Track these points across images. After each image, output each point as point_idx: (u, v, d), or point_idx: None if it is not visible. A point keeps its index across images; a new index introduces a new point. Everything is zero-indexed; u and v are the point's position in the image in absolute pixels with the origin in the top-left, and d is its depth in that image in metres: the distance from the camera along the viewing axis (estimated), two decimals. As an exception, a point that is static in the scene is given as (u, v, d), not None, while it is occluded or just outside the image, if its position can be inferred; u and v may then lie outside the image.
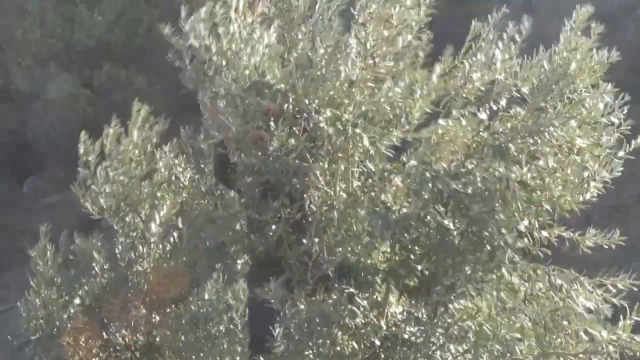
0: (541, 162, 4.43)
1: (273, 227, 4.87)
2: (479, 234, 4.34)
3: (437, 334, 4.31)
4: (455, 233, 4.35)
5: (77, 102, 16.60)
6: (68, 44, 16.98)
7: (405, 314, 4.68)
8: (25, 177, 16.91)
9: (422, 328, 4.37)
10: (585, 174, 4.51)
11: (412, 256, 4.53)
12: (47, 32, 16.79)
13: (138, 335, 5.75)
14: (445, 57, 4.64)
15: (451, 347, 4.32)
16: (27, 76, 16.95)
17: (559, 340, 4.66)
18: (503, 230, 4.33)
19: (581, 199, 4.53)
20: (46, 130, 16.48)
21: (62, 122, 16.18)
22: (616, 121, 4.48)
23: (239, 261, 5.74)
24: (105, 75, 16.83)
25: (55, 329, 5.58)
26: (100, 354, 5.67)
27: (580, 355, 4.63)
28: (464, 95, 4.64)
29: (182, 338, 5.57)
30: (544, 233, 4.67)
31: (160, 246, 5.71)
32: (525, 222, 4.52)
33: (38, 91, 16.92)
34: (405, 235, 4.42)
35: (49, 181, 16.06)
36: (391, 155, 4.71)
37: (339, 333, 4.52)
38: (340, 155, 4.75)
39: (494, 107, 4.54)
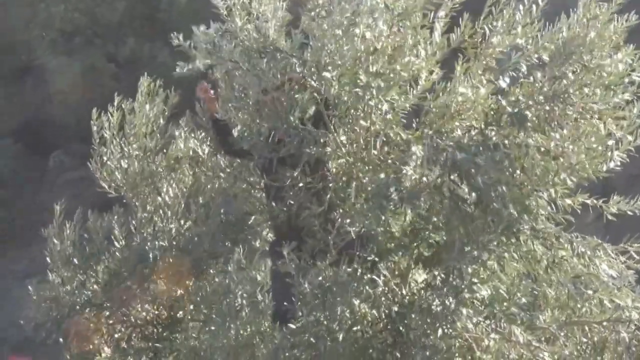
0: (565, 131, 4.35)
1: (292, 194, 4.86)
2: (488, 204, 4.29)
3: (450, 298, 4.28)
4: (469, 202, 4.31)
5: (101, 76, 16.62)
6: (92, 18, 16.99)
7: (424, 282, 4.66)
8: (50, 152, 16.99)
9: (437, 293, 4.34)
10: (610, 142, 4.42)
11: (427, 225, 4.50)
12: (71, 6, 16.79)
13: (160, 309, 5.76)
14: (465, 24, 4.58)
15: (464, 311, 4.29)
16: (51, 51, 16.98)
17: (583, 309, 4.61)
18: (507, 200, 4.27)
19: (604, 167, 4.45)
20: (70, 105, 16.51)
21: (87, 96, 16.21)
22: (637, 79, 4.39)
23: (260, 232, 5.76)
24: (129, 49, 16.82)
25: (72, 308, 5.58)
26: (123, 330, 5.70)
27: (605, 324, 4.58)
28: (484, 60, 4.57)
29: (205, 311, 5.57)
30: (568, 201, 4.60)
31: (182, 221, 5.70)
32: (548, 190, 4.46)
33: (62, 66, 16.94)
34: (419, 203, 4.38)
35: (74, 156, 16.14)
36: (405, 122, 4.67)
37: (357, 301, 4.49)
38: (361, 123, 4.71)
39: (514, 74, 4.47)
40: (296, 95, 4.64)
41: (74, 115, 16.12)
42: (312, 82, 4.63)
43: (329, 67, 4.54)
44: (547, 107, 4.32)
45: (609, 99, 4.33)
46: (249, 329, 5.45)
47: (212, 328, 5.39)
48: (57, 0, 16.77)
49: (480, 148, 4.33)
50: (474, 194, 4.28)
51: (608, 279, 4.51)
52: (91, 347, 5.61)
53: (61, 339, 5.67)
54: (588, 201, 4.64)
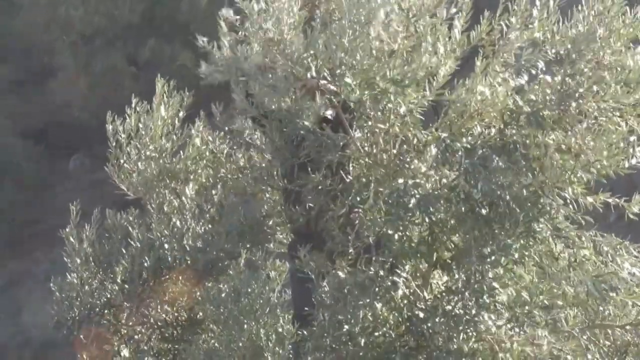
0: (581, 127, 4.30)
1: (312, 198, 4.84)
2: (499, 206, 4.25)
3: (471, 303, 4.25)
4: (484, 204, 4.26)
5: (122, 78, 16.68)
6: (112, 20, 17.04)
7: (445, 285, 4.62)
8: (71, 154, 17.09)
9: (459, 297, 4.30)
10: (632, 138, 4.36)
11: (444, 229, 4.46)
12: (90, 9, 16.85)
13: (180, 311, 5.76)
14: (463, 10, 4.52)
15: (485, 315, 4.25)
16: (71, 53, 17.04)
17: (606, 312, 4.56)
18: (522, 201, 4.22)
19: (626, 164, 4.39)
20: (91, 106, 16.58)
21: (108, 98, 16.26)
22: None
23: (276, 235, 5.75)
24: (149, 51, 16.86)
25: (92, 309, 5.59)
26: (143, 331, 5.70)
27: (628, 327, 4.53)
28: (502, 58, 4.53)
29: (224, 312, 5.55)
30: (589, 199, 4.54)
31: (199, 221, 5.69)
32: (569, 189, 4.41)
33: (83, 68, 17.01)
34: (438, 206, 4.33)
35: (95, 158, 16.22)
36: (423, 119, 4.62)
37: (379, 304, 4.46)
38: (380, 126, 4.68)
39: (532, 72, 4.42)
40: (309, 102, 4.60)
41: (95, 117, 16.18)
42: (330, 87, 4.59)
43: (345, 69, 4.49)
44: (563, 106, 4.27)
45: (628, 97, 4.26)
46: (265, 330, 5.46)
47: (229, 330, 5.40)
48: (76, 3, 16.82)
49: (490, 152, 4.28)
50: (485, 197, 4.24)
51: (628, 277, 4.46)
52: (110, 348, 5.62)
53: (82, 338, 5.69)
54: (610, 200, 4.57)
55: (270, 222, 5.79)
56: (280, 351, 5.39)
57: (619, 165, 4.33)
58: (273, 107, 4.67)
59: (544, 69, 4.41)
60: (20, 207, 16.12)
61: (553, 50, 4.39)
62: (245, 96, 4.86)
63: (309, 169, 4.80)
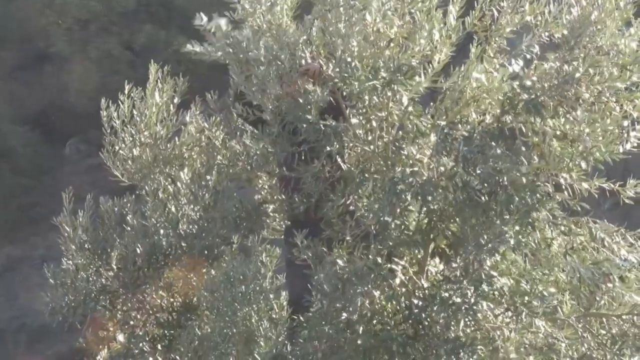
0: (579, 113, 4.28)
1: (311, 186, 4.82)
2: (497, 193, 4.23)
3: (470, 292, 4.23)
4: (483, 192, 4.25)
5: (117, 63, 16.63)
6: (107, 5, 16.99)
7: (442, 273, 4.61)
8: (67, 139, 17.05)
9: (457, 285, 4.29)
10: (626, 122, 4.34)
11: (442, 217, 4.45)
12: (87, -7, 16.83)
13: (175, 297, 5.76)
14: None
15: (484, 303, 4.24)
16: (67, 39, 17.00)
17: (602, 301, 4.55)
18: (509, 189, 4.20)
19: (621, 149, 4.37)
20: (87, 92, 16.55)
21: (103, 84, 16.22)
22: None
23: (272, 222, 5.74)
24: (145, 36, 16.81)
25: (89, 294, 5.58)
26: (138, 317, 5.70)
27: (624, 317, 4.53)
28: (495, 43, 4.50)
29: (218, 298, 5.55)
30: (585, 185, 4.53)
31: (194, 207, 5.66)
32: (566, 176, 4.39)
33: (79, 53, 16.97)
34: (436, 195, 4.32)
35: (91, 143, 16.20)
36: (420, 107, 4.60)
37: (377, 292, 4.45)
38: (377, 113, 4.65)
39: (527, 56, 4.39)
40: (314, 88, 4.57)
41: (91, 103, 16.13)
42: (330, 73, 4.57)
43: (347, 57, 4.46)
44: (561, 91, 4.25)
45: (625, 80, 4.24)
46: (260, 316, 5.45)
47: (222, 316, 5.40)
48: (72, -13, 16.79)
49: (488, 139, 4.26)
50: (484, 184, 4.22)
51: (621, 263, 4.45)
52: (106, 333, 5.62)
53: (78, 325, 5.69)
54: (605, 185, 4.56)
55: (267, 209, 5.77)
56: (274, 337, 5.40)
57: (614, 151, 4.32)
58: (272, 95, 4.66)
59: (538, 53, 4.39)
60: (16, 192, 16.12)
61: (546, 34, 4.37)
62: (243, 79, 4.85)
63: (308, 156, 4.79)
